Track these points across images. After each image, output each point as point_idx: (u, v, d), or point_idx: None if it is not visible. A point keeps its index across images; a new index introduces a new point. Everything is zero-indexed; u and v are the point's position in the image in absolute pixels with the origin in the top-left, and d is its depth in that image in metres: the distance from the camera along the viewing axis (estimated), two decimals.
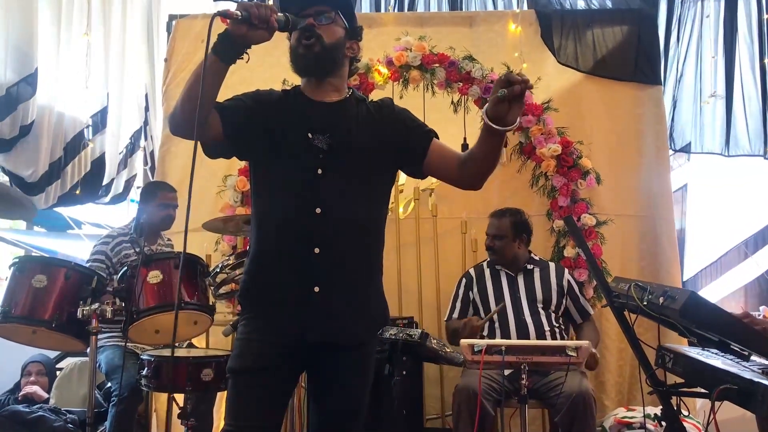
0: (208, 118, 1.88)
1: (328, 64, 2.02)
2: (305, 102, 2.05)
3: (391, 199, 4.25)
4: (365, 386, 2.05)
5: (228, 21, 1.76)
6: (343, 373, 2.00)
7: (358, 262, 2.01)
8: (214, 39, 1.81)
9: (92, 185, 5.06)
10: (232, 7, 1.76)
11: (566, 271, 3.74)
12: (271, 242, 2.00)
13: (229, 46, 1.80)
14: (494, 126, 1.82)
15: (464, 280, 3.75)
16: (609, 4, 4.81)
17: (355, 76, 4.11)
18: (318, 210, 1.94)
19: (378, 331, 2.12)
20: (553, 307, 3.56)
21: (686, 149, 5.21)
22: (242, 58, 1.83)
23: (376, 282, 2.08)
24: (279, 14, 1.82)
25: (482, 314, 3.59)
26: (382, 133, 2.05)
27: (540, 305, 3.53)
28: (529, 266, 3.64)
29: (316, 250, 1.93)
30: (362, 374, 2.04)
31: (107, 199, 5.29)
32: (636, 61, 4.53)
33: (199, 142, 1.89)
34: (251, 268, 2.04)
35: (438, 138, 2.12)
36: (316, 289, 1.94)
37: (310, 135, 1.98)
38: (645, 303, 2.22)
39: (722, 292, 5.40)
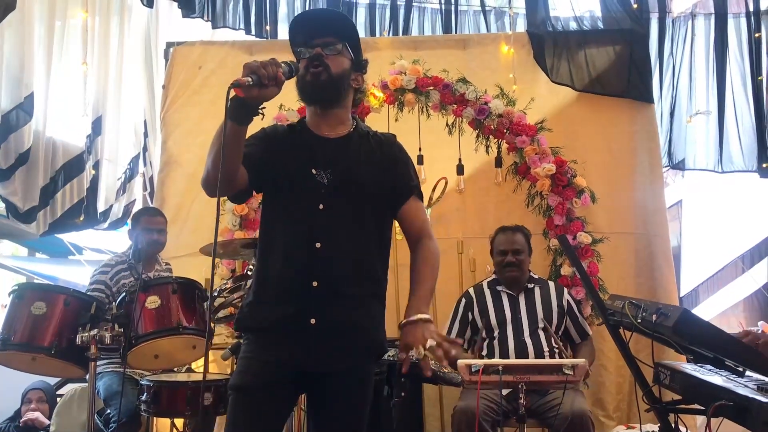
0: (237, 175, 1.97)
1: (333, 93, 2.07)
2: (310, 137, 2.10)
3: None
4: (363, 411, 2.06)
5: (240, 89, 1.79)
6: (340, 398, 2.02)
7: (356, 295, 2.03)
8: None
9: (88, 212, 5.08)
10: (241, 73, 1.80)
11: (566, 290, 3.75)
12: (272, 274, 2.04)
13: (244, 110, 1.83)
14: None
15: (464, 300, 3.75)
16: (600, 25, 4.86)
17: None
18: (318, 244, 1.99)
19: (375, 358, 2.14)
20: (553, 328, 3.56)
21: (680, 166, 5.25)
22: (257, 115, 1.87)
23: (376, 312, 2.11)
24: (283, 66, 1.86)
25: (484, 334, 3.60)
26: (382, 170, 2.11)
27: (540, 325, 3.54)
28: (530, 285, 3.66)
29: (314, 284, 1.98)
30: (359, 399, 2.05)
31: (105, 225, 5.31)
32: (628, 80, 4.59)
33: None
34: (251, 298, 2.09)
35: (421, 197, 2.20)
36: (313, 321, 1.97)
37: (313, 171, 2.04)
38: (639, 320, 2.24)
39: (720, 307, 5.41)
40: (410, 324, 1.96)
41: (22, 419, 4.09)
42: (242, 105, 1.81)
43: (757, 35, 5.04)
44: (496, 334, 3.55)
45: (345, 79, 2.08)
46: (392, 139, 2.21)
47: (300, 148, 2.08)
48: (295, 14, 5.46)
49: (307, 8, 5.46)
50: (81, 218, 5.04)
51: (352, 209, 2.04)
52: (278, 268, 2.02)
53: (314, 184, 2.03)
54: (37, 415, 4.12)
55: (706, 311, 5.43)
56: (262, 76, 1.78)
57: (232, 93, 1.78)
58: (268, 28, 5.35)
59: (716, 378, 2.12)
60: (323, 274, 1.99)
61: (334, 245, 2.00)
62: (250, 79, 1.77)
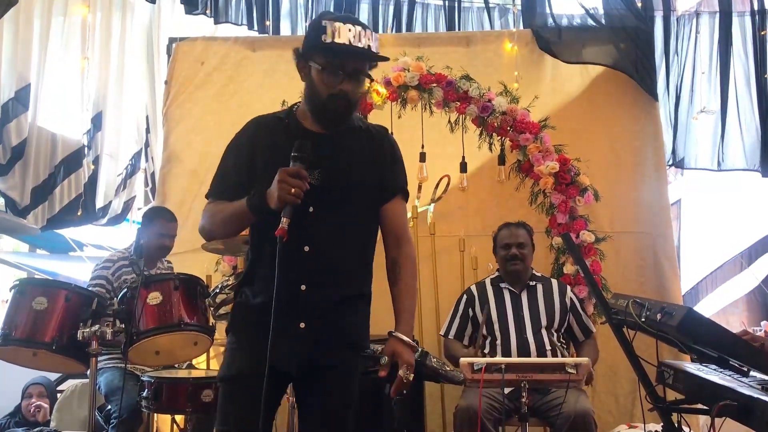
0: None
1: (349, 116, 2.05)
2: (298, 132, 2.02)
3: None
4: (349, 403, 2.06)
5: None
6: (327, 395, 2.03)
7: (344, 299, 2.03)
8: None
9: (86, 207, 5.07)
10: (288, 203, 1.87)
11: (568, 288, 3.75)
12: (261, 277, 2.02)
13: (269, 211, 1.89)
14: None
15: (465, 296, 3.74)
16: (604, 23, 4.83)
17: None
18: (306, 248, 1.97)
19: (358, 352, 2.13)
20: (555, 326, 3.56)
21: (682, 164, 5.22)
22: None
23: (362, 312, 2.12)
24: (301, 162, 1.89)
25: (484, 330, 3.59)
26: (372, 168, 2.08)
27: (543, 323, 3.53)
28: (532, 282, 3.65)
29: (303, 288, 1.97)
30: (346, 392, 2.06)
31: (104, 220, 5.30)
32: (632, 78, 4.56)
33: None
34: (242, 300, 2.08)
35: (406, 198, 2.17)
36: (302, 325, 1.98)
37: None
38: (643, 319, 2.23)
39: (718, 306, 5.40)
40: (404, 343, 2.00)
41: (32, 404, 4.10)
42: (270, 208, 1.88)
43: (762, 33, 5.01)
44: (497, 331, 3.54)
45: (362, 98, 2.14)
46: (384, 133, 2.18)
47: (287, 146, 1.96)
48: (298, 10, 5.46)
49: (310, 5, 5.43)
50: (79, 213, 5.04)
51: (340, 211, 2.02)
52: (267, 272, 1.97)
53: None
54: (46, 407, 4.13)
55: (704, 310, 5.40)
56: (294, 203, 1.85)
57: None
58: (268, 23, 5.32)
59: (720, 378, 2.11)
60: (312, 279, 1.98)
61: (323, 250, 1.99)
62: (287, 221, 1.84)
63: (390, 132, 2.25)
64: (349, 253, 2.04)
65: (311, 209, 1.97)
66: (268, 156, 2.03)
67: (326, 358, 2.01)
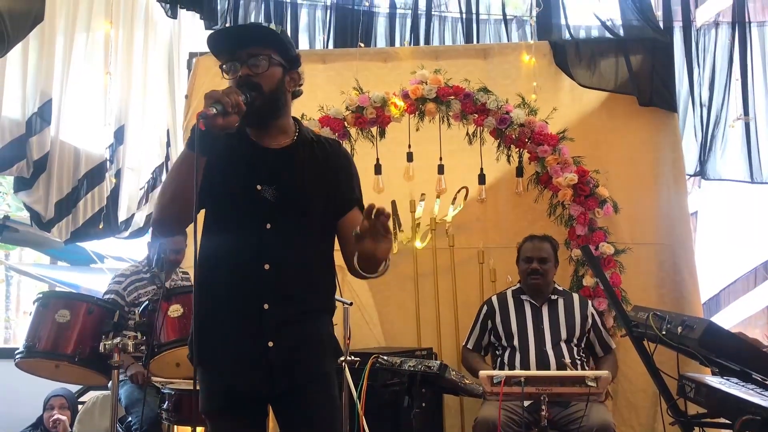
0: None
1: (272, 112, 1.97)
2: (251, 148, 1.99)
3: (408, 230, 4.31)
4: (334, 418, 2.03)
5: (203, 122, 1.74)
6: (309, 410, 1.98)
7: (309, 313, 1.99)
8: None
9: (108, 220, 5.13)
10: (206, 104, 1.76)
11: (590, 303, 3.74)
12: (217, 296, 1.95)
13: (208, 141, 1.78)
14: (366, 275, 1.91)
15: (485, 308, 3.75)
16: (622, 34, 4.83)
17: (372, 110, 4.15)
18: (267, 266, 1.92)
19: (333, 364, 2.10)
20: (575, 339, 3.54)
21: (708, 176, 5.16)
22: (220, 146, 1.86)
23: (327, 324, 2.07)
24: (242, 95, 1.82)
25: (504, 342, 3.58)
26: (327, 181, 2.03)
27: (563, 337, 3.51)
28: (554, 296, 3.64)
29: (266, 306, 1.91)
30: (328, 407, 2.02)
31: (126, 234, 5.35)
32: (651, 89, 4.54)
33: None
34: (197, 321, 1.98)
35: (362, 210, 2.01)
36: (270, 344, 1.91)
37: (258, 187, 1.94)
38: (664, 333, 2.22)
39: (737, 318, 5.34)
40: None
41: (53, 417, 4.14)
42: (205, 136, 1.75)
43: None
44: (516, 343, 3.53)
45: (281, 91, 1.97)
46: (337, 145, 2.14)
47: (242, 162, 1.96)
48: (316, 24, 5.50)
49: (327, 19, 5.46)
50: (100, 226, 5.09)
51: (299, 226, 1.96)
52: (224, 290, 1.94)
53: (260, 201, 1.93)
54: (65, 418, 4.17)
55: (722, 323, 5.27)
56: (225, 104, 1.75)
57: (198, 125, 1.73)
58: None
59: (743, 391, 2.10)
60: (274, 296, 1.92)
61: (283, 266, 1.93)
62: (214, 110, 1.73)
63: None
64: (311, 268, 1.99)
65: (268, 226, 1.94)
66: (219, 168, 1.93)
67: (301, 379, 1.95)
